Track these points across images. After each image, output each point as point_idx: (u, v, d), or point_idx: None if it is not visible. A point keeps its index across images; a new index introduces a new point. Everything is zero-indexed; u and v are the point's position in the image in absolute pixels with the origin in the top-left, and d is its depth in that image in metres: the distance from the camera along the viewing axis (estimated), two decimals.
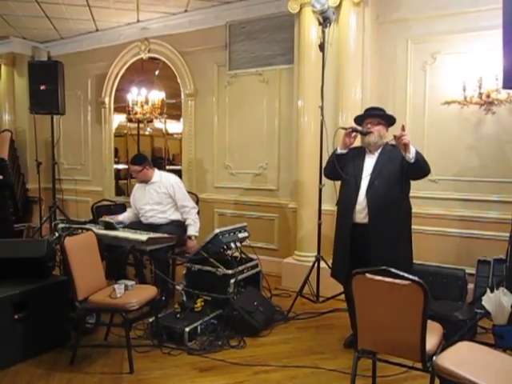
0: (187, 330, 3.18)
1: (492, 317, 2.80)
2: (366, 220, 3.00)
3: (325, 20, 3.74)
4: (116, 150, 6.97)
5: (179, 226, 4.20)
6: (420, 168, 2.89)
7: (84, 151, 6.86)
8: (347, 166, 3.12)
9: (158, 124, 7.74)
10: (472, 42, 3.93)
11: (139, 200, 4.33)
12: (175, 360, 3.01)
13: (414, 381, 2.68)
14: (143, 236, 3.69)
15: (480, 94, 3.85)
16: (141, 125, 7.40)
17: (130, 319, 3.06)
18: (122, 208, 4.87)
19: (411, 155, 2.81)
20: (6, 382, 2.73)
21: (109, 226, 3.94)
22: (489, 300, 2.78)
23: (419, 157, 2.85)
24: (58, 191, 6.18)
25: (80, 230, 3.59)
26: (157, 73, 6.56)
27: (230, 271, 3.55)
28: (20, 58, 6.82)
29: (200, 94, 5.70)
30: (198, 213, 4.42)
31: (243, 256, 3.93)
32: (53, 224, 4.80)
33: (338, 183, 3.28)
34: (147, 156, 4.73)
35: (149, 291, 3.12)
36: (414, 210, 3.17)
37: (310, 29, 4.31)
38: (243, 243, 3.96)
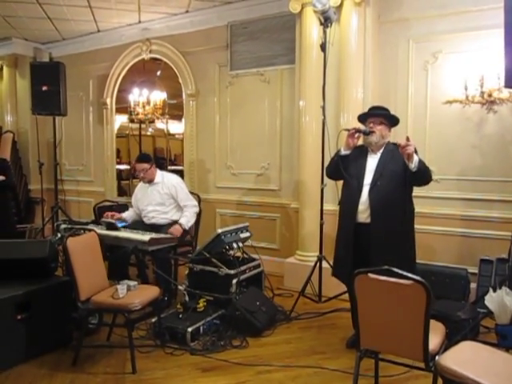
0: (190, 330, 3.18)
1: (495, 316, 2.79)
2: (368, 220, 3.00)
3: (326, 20, 3.74)
4: (118, 151, 6.99)
5: None
6: (421, 177, 2.92)
7: (86, 152, 6.87)
8: (350, 166, 3.11)
9: (159, 124, 7.76)
10: (473, 41, 3.92)
11: (141, 201, 4.33)
12: (178, 360, 3.02)
13: (417, 381, 2.68)
14: (145, 236, 3.70)
15: (482, 93, 3.85)
16: (142, 125, 7.42)
17: (132, 319, 3.07)
18: (124, 208, 4.86)
19: (413, 165, 2.82)
20: (9, 382, 2.74)
21: (111, 226, 3.95)
22: (491, 299, 2.78)
23: (421, 166, 2.85)
24: (60, 192, 6.19)
25: (82, 231, 3.59)
26: (158, 73, 6.58)
27: (232, 271, 3.55)
28: (22, 59, 6.83)
29: (201, 94, 5.70)
30: (200, 213, 4.42)
31: (245, 256, 3.93)
32: (55, 225, 4.79)
33: (340, 183, 3.29)
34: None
35: (151, 291, 3.12)
36: (416, 209, 3.16)
37: (311, 29, 4.31)
38: (245, 243, 3.97)
